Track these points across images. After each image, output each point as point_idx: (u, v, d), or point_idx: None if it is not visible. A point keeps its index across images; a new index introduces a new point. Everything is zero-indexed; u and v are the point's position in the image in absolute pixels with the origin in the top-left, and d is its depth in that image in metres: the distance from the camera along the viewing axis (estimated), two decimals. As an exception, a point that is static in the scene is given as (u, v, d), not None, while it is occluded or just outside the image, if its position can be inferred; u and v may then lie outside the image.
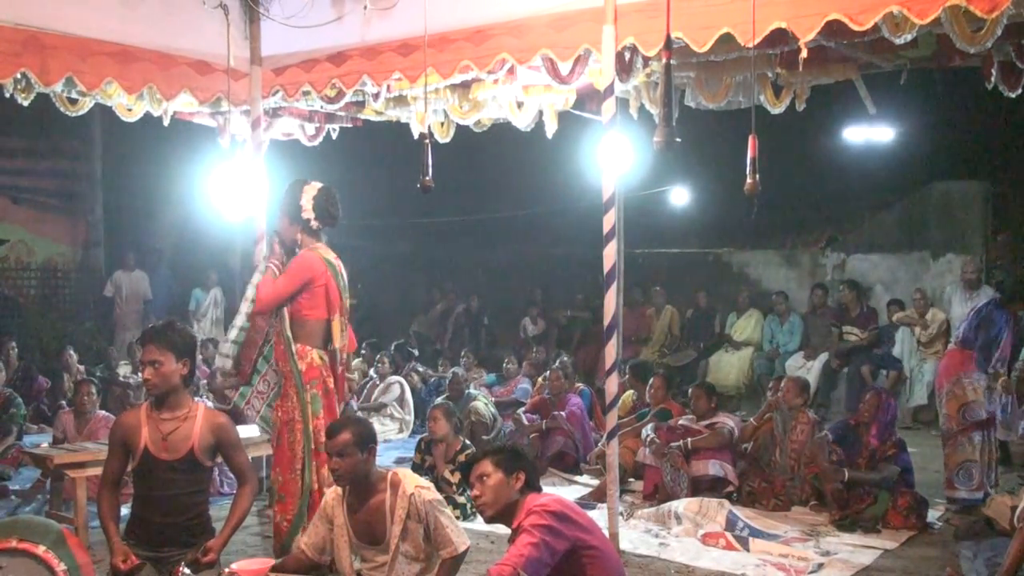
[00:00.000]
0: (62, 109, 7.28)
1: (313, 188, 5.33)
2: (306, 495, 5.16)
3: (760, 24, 4.97)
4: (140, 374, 4.67)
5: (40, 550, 3.66)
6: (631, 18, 5.48)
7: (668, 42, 4.76)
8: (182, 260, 15.05)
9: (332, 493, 4.24)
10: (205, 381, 9.47)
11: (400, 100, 7.84)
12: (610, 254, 5.72)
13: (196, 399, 4.54)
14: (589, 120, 8.11)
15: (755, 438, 7.42)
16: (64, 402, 9.87)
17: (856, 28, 4.85)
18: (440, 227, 15.36)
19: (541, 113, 7.95)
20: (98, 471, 5.28)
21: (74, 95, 7.06)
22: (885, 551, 6.00)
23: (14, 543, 3.66)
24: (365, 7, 6.41)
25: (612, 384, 5.77)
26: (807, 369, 10.72)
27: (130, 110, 7.53)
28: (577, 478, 7.99)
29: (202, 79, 6.83)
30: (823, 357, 10.89)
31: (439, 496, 4.16)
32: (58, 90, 6.68)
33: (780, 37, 5.35)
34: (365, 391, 10.64)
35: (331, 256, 5.36)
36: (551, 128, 8.02)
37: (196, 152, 9.93)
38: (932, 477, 7.46)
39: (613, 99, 5.63)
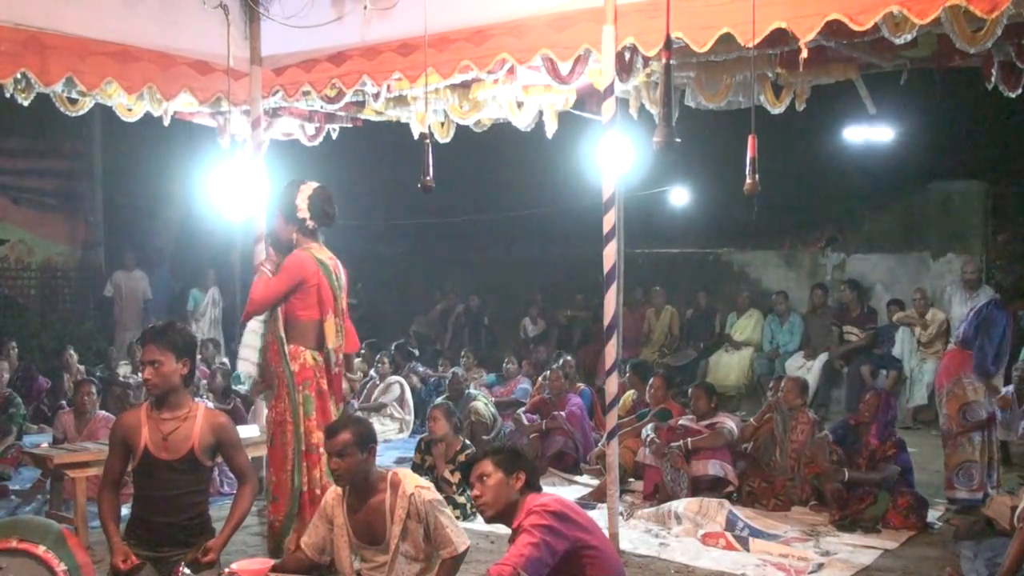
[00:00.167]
0: (62, 109, 7.28)
1: (309, 188, 5.31)
2: (296, 496, 5.16)
3: (760, 24, 4.97)
4: (140, 374, 4.67)
5: (40, 550, 3.66)
6: (631, 18, 5.48)
7: (668, 42, 4.76)
8: (182, 260, 15.04)
9: (332, 493, 4.24)
10: (205, 381, 9.47)
11: (400, 100, 7.84)
12: (610, 254, 5.72)
13: (196, 399, 4.54)
14: (589, 120, 8.11)
15: (755, 438, 7.42)
16: (64, 402, 9.87)
17: (856, 28, 4.85)
18: (440, 227, 15.35)
19: (541, 113, 7.95)
20: (98, 471, 5.29)
21: (74, 95, 7.06)
22: (885, 551, 6.00)
23: (14, 543, 3.65)
24: (365, 7, 6.41)
25: (612, 384, 5.77)
26: (807, 369, 10.72)
27: (130, 110, 7.53)
28: (577, 478, 7.99)
29: (202, 79, 6.83)
30: (823, 357, 10.89)
31: (439, 496, 4.16)
32: (58, 90, 6.68)
33: (780, 37, 5.35)
34: (365, 391, 10.64)
35: (324, 256, 5.34)
36: (551, 128, 8.02)
37: (196, 152, 9.94)
38: (932, 477, 7.46)
39: (613, 99, 5.63)
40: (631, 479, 7.61)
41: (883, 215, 12.62)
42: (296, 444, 5.18)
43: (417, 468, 7.00)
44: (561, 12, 5.78)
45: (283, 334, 5.23)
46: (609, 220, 5.69)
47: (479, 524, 5.67)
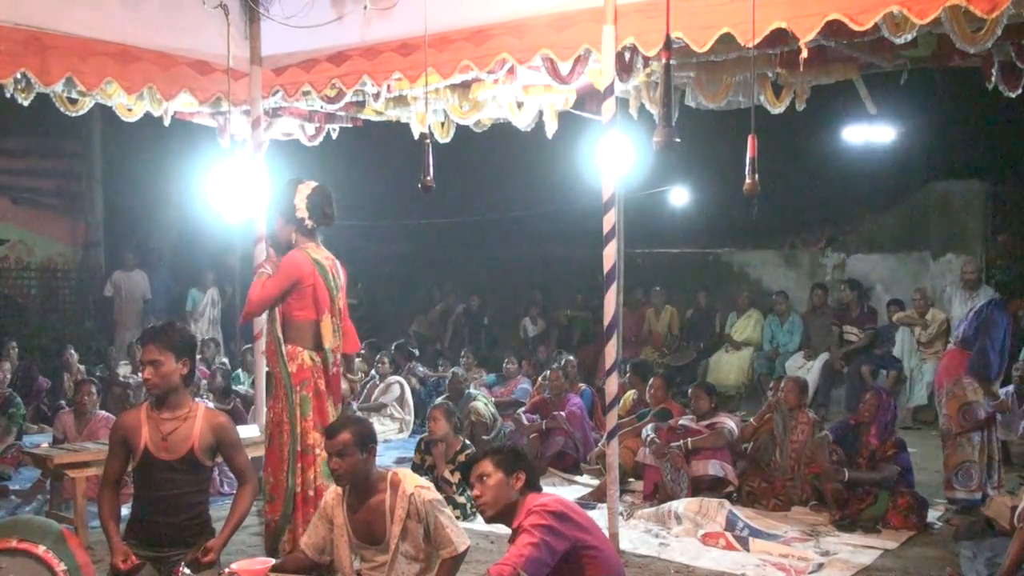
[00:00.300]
0: (62, 109, 7.28)
1: (308, 187, 5.30)
2: (290, 497, 5.15)
3: (760, 24, 4.97)
4: (140, 374, 4.67)
5: (40, 550, 3.66)
6: (631, 18, 5.48)
7: (668, 42, 4.76)
8: (182, 260, 15.04)
9: (332, 493, 4.24)
10: (205, 381, 9.47)
11: (400, 100, 7.84)
12: (610, 254, 5.72)
13: (196, 399, 4.54)
14: (589, 120, 8.10)
15: (755, 438, 7.42)
16: (63, 402, 9.87)
17: (856, 28, 4.85)
18: (440, 227, 15.35)
19: (541, 113, 7.95)
20: (98, 471, 5.29)
21: (74, 95, 7.06)
22: (885, 551, 6.00)
23: (14, 543, 3.66)
24: (365, 7, 6.41)
25: (612, 384, 5.77)
26: (807, 369, 10.72)
27: (130, 110, 7.53)
28: (577, 478, 7.99)
29: (202, 79, 6.83)
30: (823, 357, 10.89)
31: (439, 496, 4.16)
32: (58, 90, 6.68)
33: (780, 37, 5.35)
34: (365, 391, 10.64)
35: (321, 256, 5.32)
36: (551, 128, 8.02)
37: (196, 152, 9.94)
38: (932, 477, 7.46)
39: (613, 99, 5.63)
40: (631, 479, 7.61)
41: (883, 215, 12.62)
42: (292, 444, 5.18)
43: (417, 468, 7.00)
44: (561, 12, 5.78)
45: (280, 335, 5.22)
46: (609, 220, 5.69)
47: (479, 524, 5.67)
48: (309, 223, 5.29)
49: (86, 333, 13.65)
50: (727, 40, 5.28)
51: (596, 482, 7.59)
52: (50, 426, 9.04)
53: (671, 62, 4.73)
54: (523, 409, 8.86)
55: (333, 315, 5.31)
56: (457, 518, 6.42)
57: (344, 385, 5.49)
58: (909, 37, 5.24)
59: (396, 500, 4.05)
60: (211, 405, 7.15)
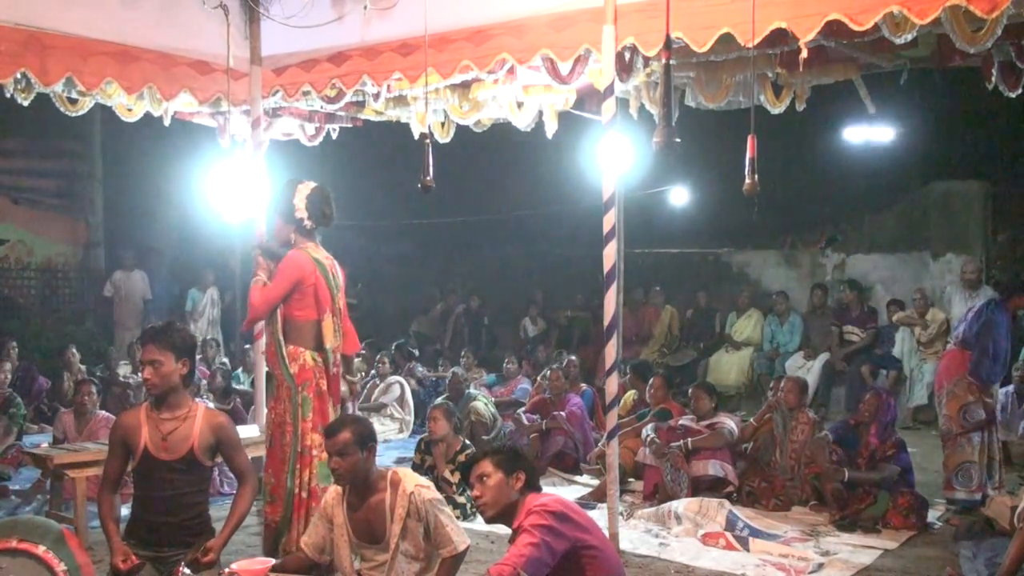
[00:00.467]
0: (62, 109, 7.28)
1: (307, 187, 5.30)
2: (289, 498, 5.15)
3: (760, 24, 4.97)
4: (140, 374, 4.67)
5: (40, 550, 3.66)
6: (631, 18, 5.48)
7: (668, 42, 4.76)
8: (182, 260, 15.05)
9: (332, 492, 4.24)
10: (205, 381, 9.47)
11: (400, 100, 7.84)
12: (610, 254, 5.72)
13: (196, 399, 4.54)
14: (589, 120, 8.11)
15: (755, 438, 7.42)
16: (59, 405, 9.86)
17: (856, 28, 4.85)
18: (440, 227, 15.36)
19: (541, 113, 7.96)
20: (98, 471, 5.28)
21: (74, 95, 7.06)
22: (885, 551, 6.00)
23: (14, 543, 3.65)
24: (365, 7, 6.40)
25: (612, 384, 5.77)
26: (807, 369, 10.72)
27: (130, 110, 7.53)
28: (577, 478, 7.99)
29: (202, 79, 6.83)
30: (823, 357, 10.89)
31: (439, 495, 4.16)
32: (58, 90, 6.68)
33: (780, 37, 5.35)
34: (365, 391, 10.64)
35: (321, 255, 5.32)
36: (551, 128, 8.03)
37: (196, 152, 9.94)
38: (932, 477, 7.46)
39: (613, 99, 5.63)
40: (631, 479, 7.61)
41: (883, 215, 12.63)
42: (294, 445, 5.18)
43: (417, 468, 6.99)
44: (561, 12, 5.78)
45: (281, 336, 5.22)
46: (609, 220, 5.68)
47: (479, 524, 5.67)
48: (308, 223, 5.29)
49: (86, 333, 13.65)
50: (727, 40, 5.29)
51: (596, 482, 7.58)
52: (50, 426, 9.04)
53: (671, 62, 4.73)
54: (523, 409, 8.86)
55: (334, 315, 5.30)
56: (457, 518, 6.45)
57: (343, 387, 5.48)
58: (909, 37, 5.24)
59: (396, 499, 4.05)
60: (211, 405, 7.16)
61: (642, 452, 7.33)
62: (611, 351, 5.80)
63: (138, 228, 15.13)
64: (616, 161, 5.74)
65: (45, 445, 7.32)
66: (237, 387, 9.66)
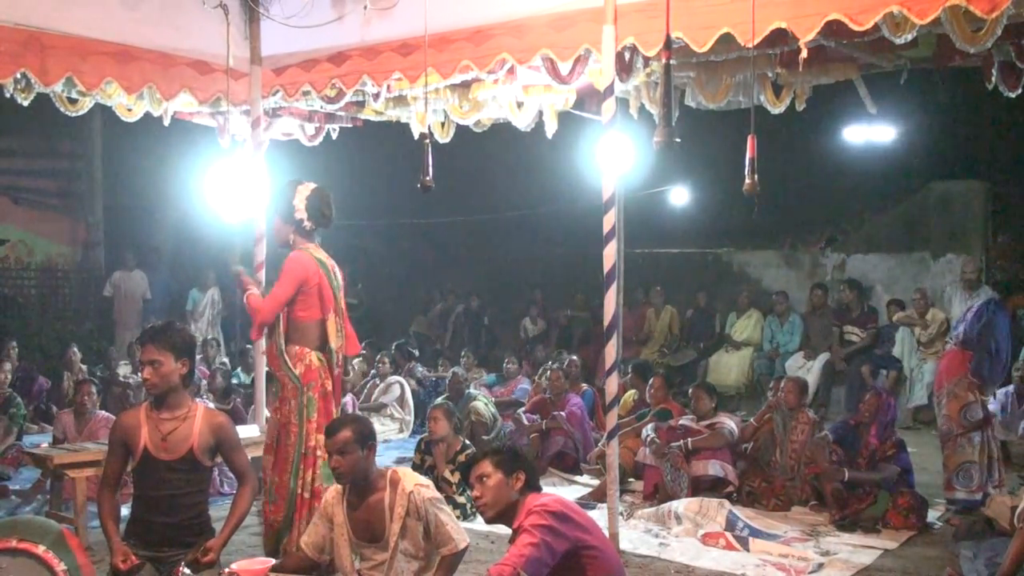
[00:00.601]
0: (62, 109, 7.28)
1: (307, 188, 5.30)
2: (292, 498, 5.15)
3: (760, 24, 4.97)
4: (140, 374, 4.67)
5: (40, 550, 3.66)
6: (631, 18, 5.48)
7: (668, 42, 4.76)
8: (182, 260, 15.05)
9: (332, 492, 4.24)
10: (205, 381, 9.47)
11: (400, 100, 7.84)
12: (610, 254, 5.72)
13: (196, 399, 4.54)
14: (589, 120, 8.11)
15: (755, 438, 7.42)
16: (56, 406, 9.85)
17: (856, 28, 4.85)
18: (440, 227, 15.36)
19: (541, 113, 7.95)
20: (98, 471, 5.28)
21: (74, 95, 7.06)
22: (885, 551, 6.00)
23: (14, 543, 3.66)
24: (365, 7, 6.40)
25: (612, 384, 5.77)
26: (807, 369, 10.72)
27: (130, 110, 7.53)
28: (577, 478, 7.99)
29: (202, 79, 6.83)
30: (823, 357, 10.89)
31: (438, 494, 4.16)
32: (58, 90, 6.68)
33: (780, 37, 5.35)
34: (365, 391, 10.64)
35: (322, 255, 5.32)
36: (551, 128, 8.02)
37: (196, 152, 9.94)
38: (932, 477, 7.45)
39: (613, 99, 5.63)
40: (631, 479, 7.61)
41: (883, 215, 12.63)
42: (298, 445, 5.17)
43: (417, 468, 6.99)
44: (561, 12, 5.78)
45: (283, 337, 5.21)
46: (609, 220, 5.68)
47: (479, 524, 5.67)
48: (308, 224, 5.29)
49: (86, 333, 13.66)
50: (727, 40, 5.28)
51: (596, 482, 7.59)
52: (50, 426, 9.04)
53: (671, 62, 4.73)
54: (523, 409, 8.87)
55: (336, 314, 5.31)
56: (457, 518, 6.45)
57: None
58: (909, 37, 5.24)
59: (396, 498, 4.05)
60: (211, 405, 7.16)
61: (642, 452, 7.33)
62: (611, 351, 5.80)
63: (138, 228, 15.13)
64: (616, 161, 5.74)
65: (45, 445, 7.32)
66: (236, 383, 9.66)
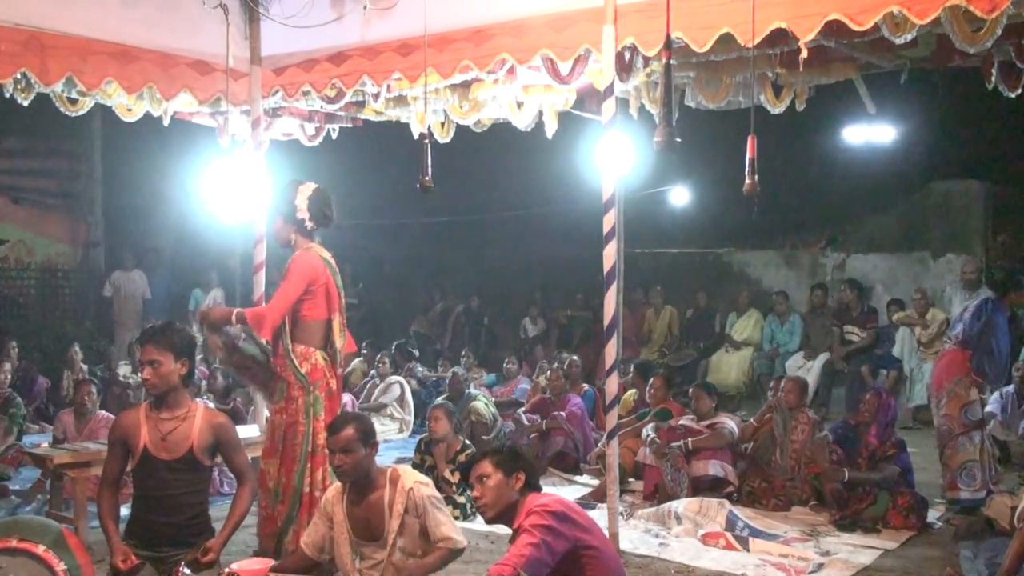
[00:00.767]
0: (62, 109, 7.27)
1: (308, 188, 5.31)
2: (297, 497, 5.14)
3: (760, 24, 4.97)
4: (140, 374, 4.67)
5: (40, 550, 3.66)
6: (631, 18, 5.48)
7: (668, 42, 4.76)
8: (182, 260, 15.06)
9: (332, 490, 4.25)
10: (205, 381, 9.47)
11: (400, 100, 7.83)
12: (610, 254, 5.71)
13: (196, 399, 4.53)
14: (589, 120, 8.11)
15: (755, 438, 7.41)
16: (56, 407, 9.84)
17: (856, 28, 4.85)
18: (440, 227, 15.36)
19: (541, 113, 7.95)
20: (98, 471, 5.28)
21: (74, 95, 7.06)
22: (885, 551, 6.00)
23: (14, 543, 3.65)
24: (365, 7, 6.40)
25: (612, 384, 5.77)
26: (807, 369, 10.71)
27: (130, 110, 7.53)
28: (577, 478, 7.99)
29: (202, 79, 6.83)
30: (823, 357, 10.89)
31: (437, 493, 4.16)
32: (58, 90, 6.68)
33: (780, 37, 5.35)
34: (365, 391, 10.64)
35: (327, 255, 5.35)
36: (551, 128, 8.02)
37: (196, 152, 9.94)
38: (932, 477, 7.45)
39: (613, 99, 5.63)
40: (631, 479, 7.60)
41: (883, 215, 12.64)
42: (305, 445, 5.17)
43: (417, 468, 6.98)
44: (561, 12, 5.78)
45: (289, 337, 5.21)
46: (609, 220, 5.68)
47: (479, 524, 5.67)
48: (309, 224, 5.30)
49: (86, 333, 13.65)
50: (727, 40, 5.28)
51: (596, 482, 7.58)
52: (50, 426, 9.04)
53: (671, 62, 4.73)
54: (523, 409, 8.86)
55: (340, 314, 5.33)
56: (457, 518, 6.45)
57: None
58: (909, 37, 5.23)
59: (395, 495, 4.06)
60: (211, 405, 7.16)
61: (642, 452, 7.33)
62: (611, 351, 5.80)
63: (138, 228, 15.13)
64: (616, 161, 5.74)
65: (45, 445, 7.32)
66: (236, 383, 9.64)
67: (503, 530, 3.85)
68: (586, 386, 9.21)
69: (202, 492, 4.28)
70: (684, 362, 12.10)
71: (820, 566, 5.70)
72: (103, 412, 7.74)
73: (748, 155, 4.57)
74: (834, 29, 5.08)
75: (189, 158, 10.45)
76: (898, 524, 6.41)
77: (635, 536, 6.30)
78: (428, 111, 7.53)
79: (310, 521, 4.87)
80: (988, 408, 7.75)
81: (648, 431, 7.39)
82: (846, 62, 7.02)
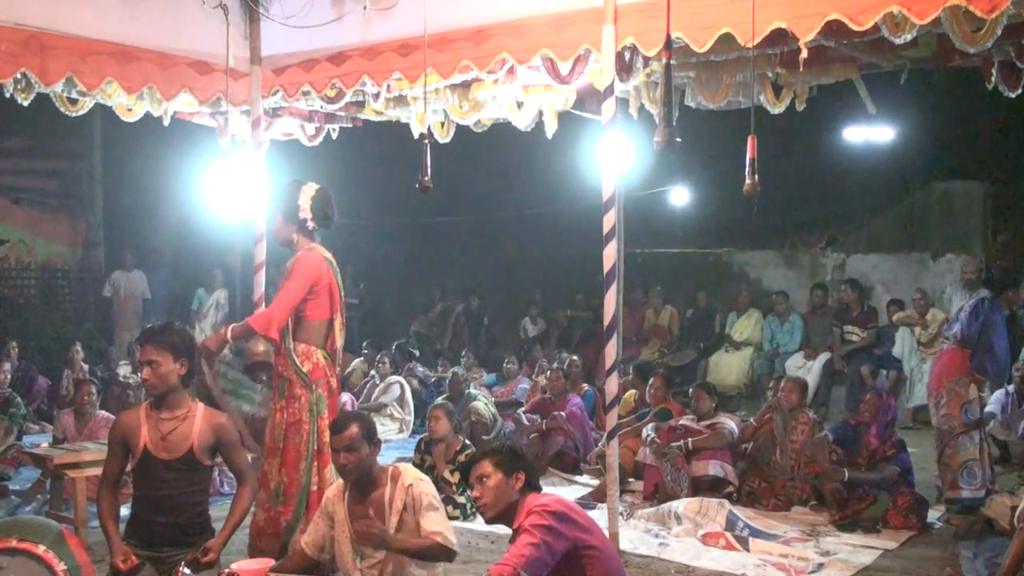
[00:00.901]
0: (62, 109, 7.27)
1: (311, 189, 5.33)
2: (304, 496, 5.14)
3: (760, 24, 4.97)
4: (139, 374, 4.67)
5: (40, 550, 3.66)
6: (631, 18, 5.48)
7: (668, 42, 4.75)
8: (182, 260, 15.06)
9: (333, 489, 4.24)
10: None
11: (400, 100, 7.83)
12: (610, 254, 5.71)
13: (196, 399, 4.53)
14: (589, 120, 8.10)
15: (755, 438, 7.41)
16: (57, 407, 9.84)
17: (856, 28, 4.84)
18: (440, 227, 15.37)
19: (541, 113, 7.94)
20: (98, 471, 5.27)
21: (74, 95, 7.05)
22: (885, 551, 6.00)
23: (14, 543, 3.65)
24: (365, 7, 6.40)
25: (612, 384, 5.77)
26: (807, 369, 10.71)
27: (130, 110, 7.52)
28: (577, 478, 7.99)
29: (202, 79, 6.82)
30: (823, 357, 10.89)
31: (436, 492, 4.15)
32: (58, 90, 6.67)
33: (780, 37, 5.34)
34: (365, 391, 10.64)
35: (329, 255, 5.36)
36: (551, 128, 8.02)
37: (196, 152, 9.94)
38: (932, 477, 7.44)
39: (613, 99, 5.63)
40: (631, 479, 7.60)
41: (883, 215, 12.65)
42: (310, 443, 5.17)
43: (417, 468, 6.96)
44: (561, 12, 5.78)
45: (291, 336, 5.21)
46: (609, 220, 5.68)
47: (479, 524, 5.67)
48: (311, 224, 5.31)
49: (86, 333, 13.63)
50: (727, 40, 5.28)
51: (596, 482, 7.58)
52: (50, 426, 9.03)
53: (671, 62, 4.73)
54: (523, 409, 8.86)
55: (342, 313, 5.34)
56: (457, 518, 6.46)
57: None
58: (909, 37, 5.23)
59: (395, 492, 4.05)
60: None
61: (642, 452, 7.33)
62: (611, 351, 5.80)
63: (138, 228, 15.13)
64: (616, 161, 5.74)
65: (45, 445, 7.32)
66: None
67: (503, 530, 3.85)
68: (586, 386, 9.21)
69: (202, 492, 4.28)
70: (684, 362, 12.10)
71: (820, 566, 5.70)
72: (103, 412, 7.73)
73: (748, 155, 4.57)
74: (834, 29, 5.08)
75: (189, 158, 10.46)
76: (898, 524, 6.42)
77: (635, 536, 6.30)
78: (428, 111, 7.53)
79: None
80: (988, 408, 7.76)
81: (648, 431, 7.39)
82: (846, 62, 7.02)
